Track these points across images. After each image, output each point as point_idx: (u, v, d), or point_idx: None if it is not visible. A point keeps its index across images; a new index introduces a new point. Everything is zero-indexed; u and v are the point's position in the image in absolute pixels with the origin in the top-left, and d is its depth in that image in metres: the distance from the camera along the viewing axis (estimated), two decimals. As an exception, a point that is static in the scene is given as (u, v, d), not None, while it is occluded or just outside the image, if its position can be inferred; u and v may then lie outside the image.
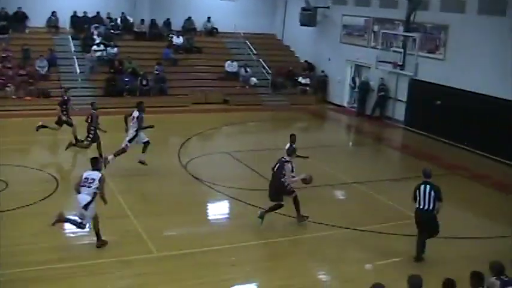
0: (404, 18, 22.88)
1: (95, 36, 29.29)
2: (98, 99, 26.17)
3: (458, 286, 8.62)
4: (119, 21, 31.33)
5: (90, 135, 18.39)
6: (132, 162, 19.32)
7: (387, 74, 26.26)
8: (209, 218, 15.13)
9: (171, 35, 31.47)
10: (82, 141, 18.70)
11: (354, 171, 19.24)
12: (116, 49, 28.99)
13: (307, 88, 31.40)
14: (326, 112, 30.09)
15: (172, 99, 28.01)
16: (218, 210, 15.70)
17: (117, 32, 30.82)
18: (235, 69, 30.81)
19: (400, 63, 22.45)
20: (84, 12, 30.46)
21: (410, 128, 25.57)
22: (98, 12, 30.81)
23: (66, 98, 20.01)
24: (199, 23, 33.54)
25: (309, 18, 31.14)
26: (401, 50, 22.68)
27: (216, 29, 33.70)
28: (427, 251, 12.76)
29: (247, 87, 30.50)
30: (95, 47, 28.50)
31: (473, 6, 22.56)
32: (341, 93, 30.97)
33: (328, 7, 31.23)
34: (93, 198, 11.90)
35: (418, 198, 12.30)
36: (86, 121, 18.50)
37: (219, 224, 14.59)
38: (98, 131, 18.56)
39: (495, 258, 9.74)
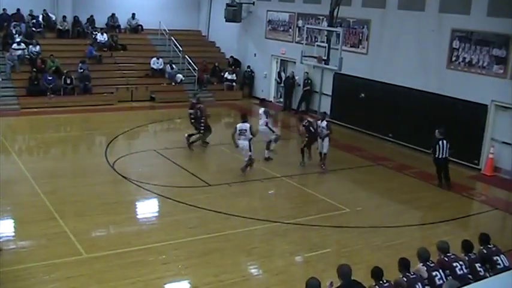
0: (328, 13, 23.21)
1: (15, 35, 28.48)
2: (21, 99, 25.73)
3: (385, 273, 8.89)
4: (40, 18, 30.54)
5: (202, 127, 20.27)
6: (58, 162, 19.06)
7: (312, 68, 26.58)
8: (138, 216, 15.01)
9: (94, 33, 30.96)
10: (193, 135, 20.51)
11: (282, 165, 19.42)
12: (38, 47, 28.25)
13: (234, 84, 31.50)
14: (253, 107, 30.22)
15: (98, 97, 27.58)
16: (147, 208, 15.59)
17: (39, 29, 30.04)
18: (160, 66, 30.56)
19: (325, 58, 22.75)
20: (4, 9, 29.57)
21: (335, 121, 25.95)
22: (18, 9, 29.97)
23: (194, 101, 20.92)
24: (123, 20, 33.13)
25: (234, 14, 31.15)
26: (326, 45, 22.98)
27: (141, 26, 33.39)
28: (357, 241, 13.17)
29: (173, 84, 30.31)
30: (14, 46, 27.69)
31: (394, 1, 23.13)
32: (267, 88, 31.17)
33: (253, 3, 31.34)
34: (249, 141, 17.58)
35: (438, 150, 17.40)
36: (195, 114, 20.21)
37: (147, 223, 14.47)
38: (207, 121, 20.54)
39: (419, 245, 10.13)
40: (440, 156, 17.48)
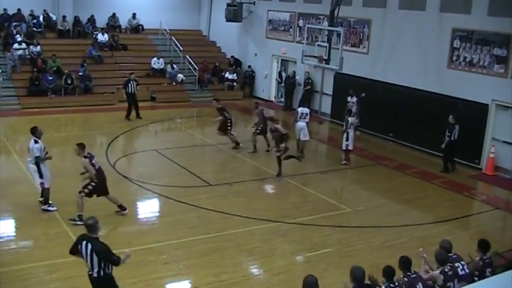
0: (329, 13, 23.24)
1: (16, 35, 28.47)
2: (21, 99, 25.74)
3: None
4: (41, 18, 30.56)
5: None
6: (59, 162, 19.00)
7: (313, 68, 26.58)
8: (138, 216, 14.97)
9: (95, 32, 30.96)
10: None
11: (282, 165, 19.41)
12: (38, 47, 28.26)
13: (235, 84, 31.50)
14: (253, 107, 30.17)
15: (98, 97, 27.60)
16: (147, 208, 15.59)
17: (40, 29, 30.06)
18: (161, 66, 30.58)
19: (326, 58, 22.77)
20: (4, 10, 29.59)
21: (336, 121, 25.96)
22: (18, 10, 29.98)
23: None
24: (124, 20, 33.14)
25: (234, 13, 31.15)
26: (326, 45, 23.00)
27: (142, 25, 33.38)
28: (358, 241, 13.28)
29: (174, 84, 30.33)
30: (15, 46, 27.70)
31: (394, 1, 23.11)
32: (268, 88, 31.21)
33: (253, 3, 31.36)
34: (307, 124, 20.03)
35: (454, 134, 19.14)
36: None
37: (148, 222, 14.47)
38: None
39: (420, 245, 10.11)
40: (453, 139, 19.12)
